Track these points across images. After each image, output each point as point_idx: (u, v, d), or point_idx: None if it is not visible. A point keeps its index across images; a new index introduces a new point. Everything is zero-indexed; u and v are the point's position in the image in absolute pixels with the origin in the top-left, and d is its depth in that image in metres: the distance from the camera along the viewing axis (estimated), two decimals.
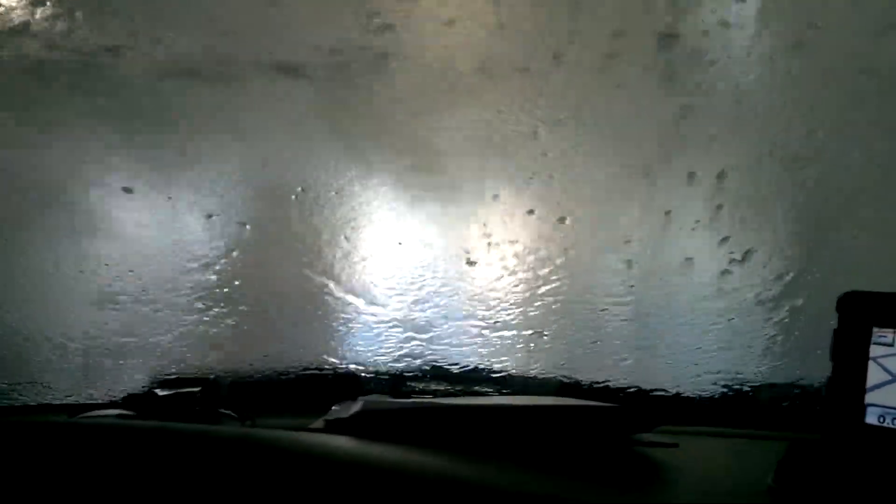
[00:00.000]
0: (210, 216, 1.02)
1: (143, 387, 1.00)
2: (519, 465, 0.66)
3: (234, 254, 1.03)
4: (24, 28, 0.94)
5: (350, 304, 1.03)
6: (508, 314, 1.00)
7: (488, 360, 1.01)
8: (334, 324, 1.03)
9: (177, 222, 1.02)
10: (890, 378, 0.58)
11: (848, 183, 0.90)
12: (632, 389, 0.95)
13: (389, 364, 1.03)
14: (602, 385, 0.96)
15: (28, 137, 1.00)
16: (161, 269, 1.03)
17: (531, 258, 0.99)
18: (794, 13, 0.89)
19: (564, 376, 0.98)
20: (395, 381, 1.02)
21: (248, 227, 1.03)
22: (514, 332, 1.01)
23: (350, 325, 1.04)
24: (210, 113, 1.01)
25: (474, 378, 1.01)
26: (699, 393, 0.93)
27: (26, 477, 0.68)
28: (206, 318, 1.03)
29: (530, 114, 0.96)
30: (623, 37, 0.92)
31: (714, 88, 0.93)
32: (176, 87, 0.98)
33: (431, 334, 1.03)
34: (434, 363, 1.02)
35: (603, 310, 0.97)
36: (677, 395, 0.93)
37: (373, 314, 1.03)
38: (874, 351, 0.58)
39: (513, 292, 1.00)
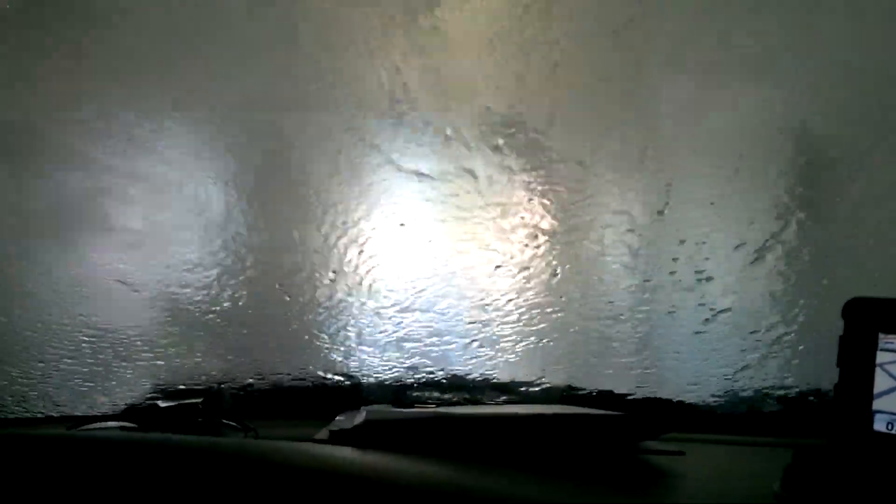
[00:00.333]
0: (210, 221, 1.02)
1: (144, 398, 1.00)
2: (524, 474, 0.66)
3: (236, 262, 1.03)
4: None
5: (353, 313, 1.03)
6: (513, 323, 1.00)
7: (492, 369, 1.01)
8: (337, 334, 1.03)
9: (175, 229, 1.02)
10: None
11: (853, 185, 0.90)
12: (637, 397, 0.94)
13: (393, 374, 1.02)
14: (607, 393, 0.95)
15: None
16: (160, 278, 1.02)
17: (536, 266, 0.99)
18: None
19: (569, 385, 0.98)
20: (398, 391, 1.01)
21: (249, 234, 1.03)
22: (519, 340, 1.00)
23: (353, 334, 1.03)
24: None
25: (478, 387, 1.01)
26: (705, 400, 0.92)
27: (26, 491, 0.67)
28: (208, 329, 1.03)
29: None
30: None
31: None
32: None
33: (435, 343, 1.02)
34: (438, 372, 1.02)
35: (608, 318, 0.97)
36: (683, 402, 0.93)
37: (376, 324, 1.03)
38: (881, 357, 0.58)
39: (517, 300, 1.00)
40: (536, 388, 0.99)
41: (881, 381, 0.58)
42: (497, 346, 1.01)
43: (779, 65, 0.91)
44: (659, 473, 0.70)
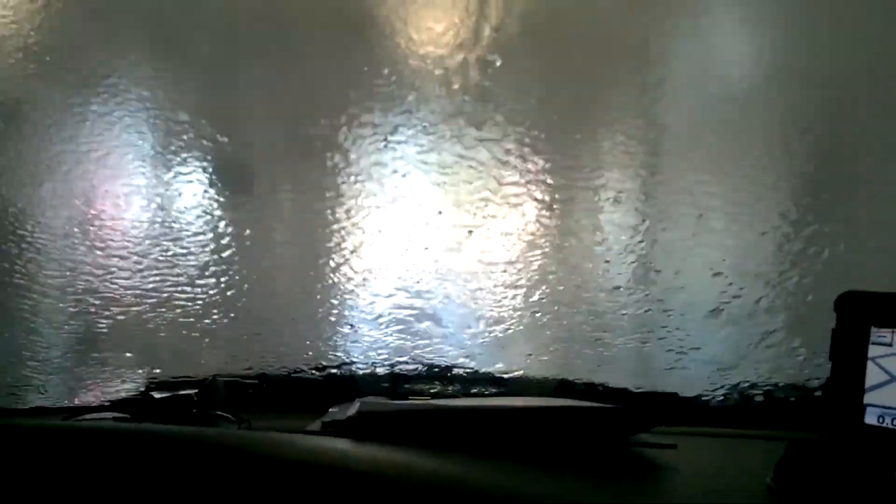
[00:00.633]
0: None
1: (138, 389, 1.00)
2: (517, 466, 0.66)
3: (229, 254, 1.02)
4: None
5: (347, 304, 1.03)
6: (507, 315, 1.00)
7: (486, 361, 1.01)
8: (331, 325, 1.03)
9: (169, 220, 1.02)
10: (889, 378, 0.58)
11: (851, 181, 0.90)
12: (630, 390, 0.94)
13: (387, 365, 1.03)
14: (600, 386, 0.95)
15: None
16: (154, 268, 1.02)
17: (531, 259, 0.99)
18: None
19: (563, 377, 0.98)
20: (392, 383, 1.01)
21: (242, 226, 1.03)
22: (513, 332, 1.00)
23: (347, 325, 1.03)
24: None
25: (472, 379, 1.01)
26: (697, 393, 0.93)
27: (21, 481, 0.68)
28: (201, 320, 1.03)
29: None
30: None
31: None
32: None
33: (429, 335, 1.02)
34: (431, 364, 1.02)
35: (602, 310, 0.97)
36: (675, 395, 0.93)
37: (370, 315, 1.03)
38: (873, 351, 0.58)
39: (511, 293, 1.00)
40: (530, 381, 0.99)
41: (873, 375, 0.58)
42: (491, 339, 1.01)
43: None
44: (651, 466, 0.71)
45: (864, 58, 0.87)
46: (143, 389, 0.99)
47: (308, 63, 1.02)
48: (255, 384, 1.01)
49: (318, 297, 1.03)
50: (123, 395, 1.00)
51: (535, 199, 0.98)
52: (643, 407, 0.92)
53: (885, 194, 0.88)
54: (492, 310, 1.00)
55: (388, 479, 0.62)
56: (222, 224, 1.02)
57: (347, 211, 1.01)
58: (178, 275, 1.02)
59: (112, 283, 1.02)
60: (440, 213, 1.00)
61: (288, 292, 1.04)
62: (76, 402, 1.03)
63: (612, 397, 0.94)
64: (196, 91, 1.02)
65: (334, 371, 1.03)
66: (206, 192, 1.02)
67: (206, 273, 1.02)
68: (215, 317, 1.02)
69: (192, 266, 1.02)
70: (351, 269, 1.02)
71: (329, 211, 1.01)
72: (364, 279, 1.02)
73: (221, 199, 1.02)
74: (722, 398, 0.91)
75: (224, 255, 1.02)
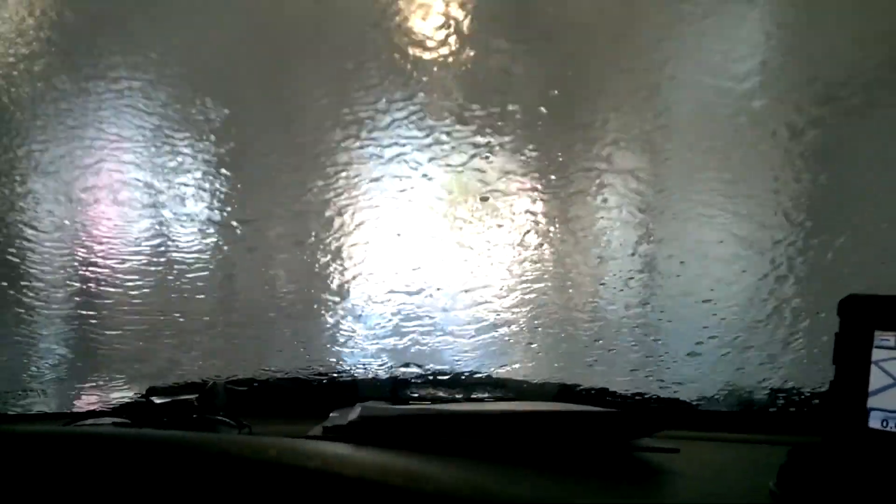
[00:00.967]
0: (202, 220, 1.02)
1: (139, 395, 0.99)
2: (518, 471, 0.66)
3: (229, 258, 1.02)
4: None
5: (348, 308, 1.03)
6: (508, 319, 1.00)
7: (487, 366, 1.01)
8: (332, 329, 1.03)
9: (167, 224, 1.02)
10: (892, 382, 0.57)
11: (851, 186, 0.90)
12: (632, 394, 0.94)
13: (388, 369, 1.02)
14: (602, 390, 0.95)
15: None
16: (153, 273, 1.02)
17: (531, 262, 0.99)
18: None
19: (564, 382, 0.98)
20: (393, 387, 1.01)
21: (241, 229, 1.02)
22: (514, 336, 1.00)
23: (347, 330, 1.03)
24: None
25: (473, 383, 1.00)
26: (700, 397, 0.92)
27: (21, 487, 0.67)
28: (202, 324, 1.02)
29: None
30: None
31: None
32: None
33: (430, 339, 1.02)
34: (432, 368, 1.02)
35: (603, 313, 0.97)
36: (678, 399, 0.93)
37: (370, 319, 1.03)
38: (876, 354, 0.58)
39: (512, 297, 1.00)
40: (531, 385, 0.99)
41: (877, 379, 0.58)
42: (493, 343, 1.01)
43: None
44: (653, 471, 0.70)
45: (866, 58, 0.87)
46: (143, 394, 0.99)
47: (307, 64, 1.02)
48: (256, 389, 1.00)
49: (319, 301, 1.02)
50: (124, 400, 1.00)
51: (535, 204, 0.98)
52: (645, 411, 0.92)
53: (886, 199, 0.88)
54: (493, 314, 1.00)
55: (389, 485, 0.62)
56: (221, 228, 1.02)
57: (347, 215, 1.01)
58: (178, 279, 1.02)
59: (110, 288, 1.02)
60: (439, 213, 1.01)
61: (288, 296, 1.04)
62: (76, 407, 1.02)
63: (614, 401, 0.94)
64: (194, 93, 1.02)
65: (335, 376, 1.02)
66: (204, 195, 1.02)
67: (206, 278, 1.02)
68: (216, 322, 1.02)
69: (192, 271, 1.02)
70: (351, 273, 1.02)
71: (329, 215, 1.01)
72: (364, 284, 1.02)
73: (220, 203, 1.02)
74: (725, 402, 0.91)
75: (223, 259, 1.02)
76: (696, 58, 0.93)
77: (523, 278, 0.99)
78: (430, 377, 1.01)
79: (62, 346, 1.03)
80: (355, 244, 1.02)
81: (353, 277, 1.02)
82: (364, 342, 1.03)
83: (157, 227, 1.02)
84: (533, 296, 0.99)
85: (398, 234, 1.01)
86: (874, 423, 0.58)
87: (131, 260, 1.02)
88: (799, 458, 0.59)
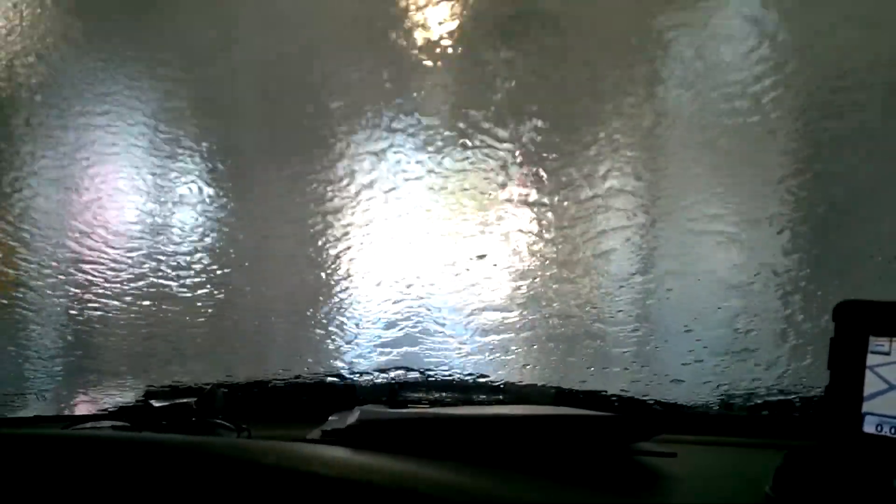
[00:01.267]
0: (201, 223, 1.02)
1: (138, 398, 1.00)
2: (517, 475, 0.66)
3: (227, 262, 1.03)
4: None
5: (346, 313, 1.03)
6: (506, 323, 1.00)
7: (486, 369, 1.01)
8: (330, 333, 1.03)
9: (166, 228, 1.02)
10: (887, 387, 0.58)
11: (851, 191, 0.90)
12: (630, 398, 0.94)
13: (386, 373, 1.03)
14: (600, 394, 0.95)
15: None
16: (151, 276, 1.02)
17: (530, 266, 0.99)
18: None
19: (562, 385, 0.98)
20: (391, 391, 1.01)
21: (239, 234, 1.03)
22: (512, 340, 1.00)
23: (346, 334, 1.03)
24: None
25: (471, 387, 1.01)
26: (697, 402, 0.93)
27: (21, 490, 0.67)
28: (200, 328, 1.03)
29: None
30: None
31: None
32: None
33: (428, 343, 1.02)
34: (431, 372, 1.02)
35: (601, 318, 0.97)
36: (675, 404, 0.93)
37: (369, 323, 1.03)
38: (871, 360, 0.58)
39: (510, 301, 1.00)
40: (530, 389, 0.99)
41: (871, 384, 0.58)
42: (491, 347, 1.01)
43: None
44: (651, 474, 0.71)
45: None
46: (142, 398, 0.99)
47: (306, 66, 1.02)
48: (255, 392, 1.01)
49: (318, 305, 1.03)
50: (123, 403, 1.00)
51: (535, 208, 0.98)
52: (643, 415, 0.92)
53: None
54: (491, 318, 1.00)
55: (387, 488, 0.62)
56: (220, 232, 1.02)
57: (346, 219, 1.01)
58: (177, 283, 1.02)
59: (109, 293, 1.02)
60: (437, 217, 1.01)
61: (287, 301, 1.04)
62: (75, 410, 1.02)
63: (612, 406, 0.94)
64: (192, 95, 1.02)
65: (334, 379, 1.03)
66: (203, 199, 1.02)
67: (204, 282, 1.02)
68: (214, 326, 1.03)
69: (190, 275, 1.02)
70: (350, 277, 1.02)
71: (328, 219, 1.01)
72: (363, 288, 1.02)
73: (219, 207, 1.02)
74: (721, 406, 0.91)
75: (222, 263, 1.02)
76: (695, 61, 0.94)
77: (521, 282, 0.99)
78: (429, 381, 1.01)
79: (61, 350, 1.03)
80: (354, 248, 1.02)
81: (352, 281, 1.02)
82: (362, 346, 1.03)
83: (155, 230, 1.02)
84: (531, 299, 0.99)
85: (396, 239, 1.01)
86: (869, 427, 0.58)
87: (130, 263, 1.02)
88: (795, 461, 0.59)
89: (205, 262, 1.03)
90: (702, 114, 0.94)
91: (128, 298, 1.02)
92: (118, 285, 1.02)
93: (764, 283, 0.91)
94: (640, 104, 0.95)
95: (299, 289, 1.04)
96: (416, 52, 0.96)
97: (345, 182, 1.01)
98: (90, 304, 1.02)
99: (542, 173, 0.97)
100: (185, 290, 1.02)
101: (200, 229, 1.03)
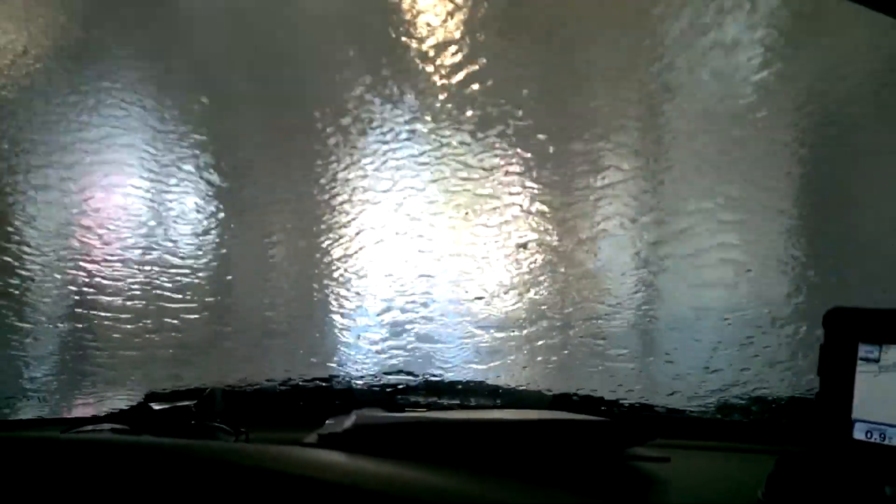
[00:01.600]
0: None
1: (137, 401, 1.00)
2: (512, 479, 0.67)
3: (226, 266, 1.03)
4: None
5: (343, 316, 1.03)
6: (503, 328, 1.01)
7: (482, 373, 1.01)
8: (328, 337, 1.04)
9: (165, 232, 1.03)
10: (876, 393, 0.58)
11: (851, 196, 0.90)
12: (624, 403, 0.95)
13: (383, 377, 1.03)
14: (595, 399, 0.96)
15: None
16: (150, 279, 1.03)
17: (526, 270, 1.00)
18: None
19: (557, 390, 0.98)
20: (388, 395, 1.02)
21: (238, 237, 1.03)
22: (509, 344, 1.01)
23: (343, 338, 1.04)
24: None
25: (468, 391, 1.01)
26: (691, 407, 0.93)
27: (20, 494, 0.68)
28: (199, 332, 1.03)
29: None
30: None
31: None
32: None
33: (425, 347, 1.03)
34: (428, 376, 1.02)
35: (599, 323, 0.98)
36: (669, 409, 0.93)
37: (366, 327, 1.04)
38: (861, 366, 0.59)
39: (508, 306, 1.01)
40: (525, 393, 0.99)
41: (861, 390, 0.59)
42: (487, 351, 1.01)
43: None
44: (645, 479, 0.71)
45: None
46: (141, 401, 0.99)
47: (307, 67, 1.03)
48: (253, 396, 1.01)
49: (315, 309, 1.03)
50: (122, 406, 1.00)
51: (534, 213, 0.99)
52: (637, 420, 0.93)
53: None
54: (488, 323, 1.01)
55: (383, 493, 0.62)
56: (218, 236, 1.03)
57: (344, 223, 1.02)
58: (175, 287, 1.03)
59: (109, 296, 1.02)
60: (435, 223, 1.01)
61: (285, 304, 1.05)
62: (75, 413, 1.03)
63: (607, 410, 0.95)
64: (193, 98, 1.02)
65: (331, 383, 1.03)
66: (202, 202, 1.03)
67: (203, 285, 1.03)
68: (213, 329, 1.03)
69: (189, 278, 1.03)
70: (348, 281, 1.02)
71: (327, 223, 1.02)
72: (361, 292, 1.03)
73: (218, 210, 1.03)
74: (715, 412, 0.92)
75: (221, 267, 1.03)
76: (697, 67, 0.94)
77: (519, 287, 1.00)
78: (425, 385, 1.02)
79: (61, 353, 1.03)
80: (352, 252, 1.02)
81: (349, 285, 1.03)
82: (360, 350, 1.04)
83: (154, 234, 1.03)
84: (528, 305, 1.00)
85: (395, 242, 1.02)
86: (858, 434, 0.59)
87: (129, 266, 1.03)
88: (786, 467, 0.60)
89: (204, 265, 1.03)
90: (705, 119, 0.94)
91: (127, 302, 1.03)
92: (117, 288, 1.02)
93: (765, 289, 0.92)
94: (644, 110, 0.96)
95: (298, 293, 1.04)
96: (417, 51, 0.97)
97: (344, 186, 1.01)
98: (90, 307, 1.02)
99: (544, 177, 0.98)
100: (184, 293, 1.03)
101: (199, 233, 1.03)
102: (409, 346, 1.03)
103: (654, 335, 0.97)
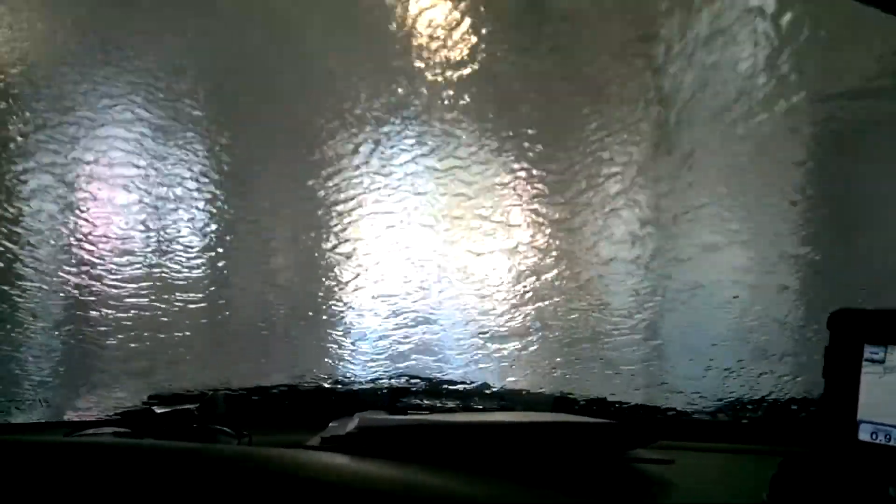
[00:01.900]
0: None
1: (139, 404, 1.00)
2: (515, 481, 0.67)
3: (228, 268, 1.03)
4: None
5: (347, 320, 1.03)
6: (505, 330, 1.00)
7: (485, 376, 1.01)
8: (330, 340, 1.04)
9: (166, 235, 1.03)
10: (882, 395, 0.58)
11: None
12: (628, 405, 0.95)
13: (386, 380, 1.03)
14: (598, 401, 0.96)
15: None
16: (152, 281, 1.03)
17: (530, 273, 0.99)
18: None
19: (561, 392, 0.98)
20: (391, 397, 1.02)
21: (240, 239, 1.03)
22: (512, 347, 1.01)
23: (346, 340, 1.04)
24: None
25: (471, 393, 1.01)
26: (695, 409, 0.93)
27: (22, 497, 0.68)
28: (202, 335, 1.03)
29: None
30: None
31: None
32: None
33: (428, 350, 1.03)
34: (430, 379, 1.02)
35: (601, 327, 0.98)
36: (673, 410, 0.93)
37: (370, 330, 1.04)
38: (866, 368, 0.59)
39: (510, 307, 1.00)
40: (529, 396, 0.99)
41: (866, 392, 0.59)
42: (490, 353, 1.01)
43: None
44: (648, 481, 0.71)
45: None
46: (143, 404, 0.99)
47: (308, 68, 1.03)
48: (256, 399, 1.01)
49: (319, 312, 1.03)
50: (124, 409, 1.00)
51: (537, 217, 0.98)
52: (640, 422, 0.93)
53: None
54: (491, 325, 1.01)
55: (386, 495, 0.62)
56: (222, 239, 1.03)
57: (349, 226, 1.02)
58: (177, 290, 1.03)
59: (111, 299, 1.02)
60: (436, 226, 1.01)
61: (288, 307, 1.05)
62: (77, 416, 1.03)
63: (610, 413, 0.94)
64: (194, 98, 1.02)
65: (334, 386, 1.03)
66: (203, 205, 1.03)
67: (206, 288, 1.03)
68: (216, 332, 1.03)
69: (191, 281, 1.03)
70: (351, 284, 1.02)
71: (330, 225, 1.02)
72: (364, 295, 1.03)
73: (219, 213, 1.03)
74: (718, 414, 0.91)
75: (223, 270, 1.03)
76: (704, 68, 0.94)
77: (522, 290, 1.00)
78: (428, 387, 1.02)
79: (63, 356, 1.04)
80: (355, 254, 1.02)
81: (353, 288, 1.03)
82: (363, 352, 1.04)
83: (155, 236, 1.03)
84: (531, 307, 1.00)
85: (399, 245, 1.02)
86: (864, 435, 0.58)
87: (130, 268, 1.03)
88: (790, 469, 0.59)
89: (206, 268, 1.03)
90: (712, 120, 0.94)
91: (129, 304, 1.03)
92: (119, 291, 1.02)
93: (763, 293, 0.91)
94: (648, 112, 0.96)
95: (300, 295, 1.04)
96: (420, 53, 0.97)
97: (347, 188, 1.01)
98: (91, 310, 1.02)
99: (548, 181, 0.98)
100: (186, 296, 1.03)
101: (202, 236, 1.03)
102: (412, 350, 1.03)
103: (656, 336, 0.97)
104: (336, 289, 1.03)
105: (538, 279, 0.99)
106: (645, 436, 0.77)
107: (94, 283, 1.02)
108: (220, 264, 1.03)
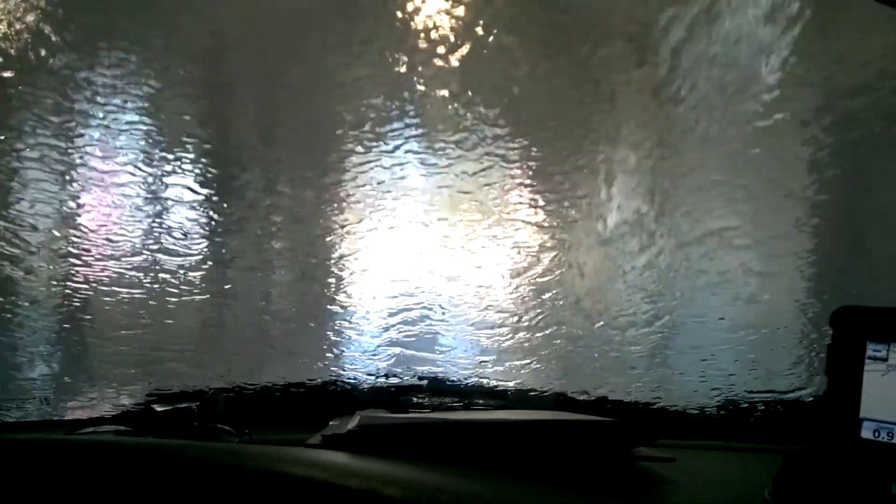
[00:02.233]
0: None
1: (140, 402, 1.00)
2: (518, 479, 0.66)
3: (228, 267, 1.03)
4: None
5: (348, 318, 1.03)
6: (507, 329, 1.00)
7: (487, 374, 1.01)
8: (332, 338, 1.03)
9: (166, 234, 1.03)
10: (884, 392, 0.58)
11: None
12: (629, 403, 0.95)
13: (387, 378, 1.03)
14: (600, 399, 0.96)
15: None
16: (152, 281, 1.02)
17: (532, 272, 0.99)
18: None
19: (563, 391, 0.98)
20: (392, 395, 1.02)
21: (240, 237, 1.03)
22: (513, 346, 1.01)
23: (347, 338, 1.04)
24: None
25: (472, 392, 1.01)
26: (696, 407, 0.93)
27: (23, 496, 0.68)
28: (203, 333, 1.03)
29: None
30: None
31: None
32: None
33: (429, 348, 1.03)
34: (432, 377, 1.02)
35: (602, 325, 0.98)
36: (674, 409, 0.93)
37: (370, 328, 1.03)
38: (868, 365, 0.59)
39: (512, 306, 1.00)
40: (530, 394, 0.99)
41: (869, 389, 0.58)
42: (492, 351, 1.01)
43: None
44: (650, 479, 0.71)
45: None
46: (144, 402, 0.99)
47: (308, 68, 1.03)
48: (256, 397, 1.01)
49: (319, 309, 1.03)
50: (125, 407, 1.00)
51: (537, 218, 0.98)
52: (642, 420, 0.93)
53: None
54: (492, 324, 1.01)
55: (388, 494, 0.62)
56: (221, 238, 1.03)
57: (349, 224, 1.01)
58: (178, 288, 1.03)
59: (111, 297, 1.02)
60: (441, 229, 1.01)
61: (289, 305, 1.05)
62: (77, 415, 1.03)
63: (612, 411, 0.94)
64: (194, 98, 1.02)
65: (335, 384, 1.03)
66: (203, 203, 1.03)
67: (206, 287, 1.02)
68: (216, 330, 1.03)
69: (191, 280, 1.03)
70: (351, 281, 1.02)
71: (330, 223, 1.01)
72: (365, 293, 1.02)
73: (219, 213, 1.03)
74: (720, 412, 0.91)
75: (223, 268, 1.03)
76: (710, 69, 0.93)
77: (524, 289, 1.00)
78: (430, 386, 1.02)
79: (63, 354, 1.03)
80: (357, 252, 1.02)
81: (354, 286, 1.03)
82: (364, 350, 1.03)
83: (155, 235, 1.02)
84: (533, 305, 0.99)
85: (400, 244, 1.02)
86: (866, 433, 0.58)
87: (131, 267, 1.03)
88: (793, 467, 0.59)
89: (207, 266, 1.03)
90: (717, 121, 0.94)
91: (129, 303, 1.02)
92: (119, 289, 1.02)
93: (769, 292, 0.91)
94: (652, 115, 0.95)
95: (301, 293, 1.04)
96: (420, 54, 0.97)
97: (347, 186, 1.01)
98: (91, 309, 1.02)
99: (548, 181, 0.98)
100: (186, 294, 1.03)
101: (202, 234, 1.03)
102: (413, 348, 1.03)
103: (659, 337, 0.97)
104: (337, 287, 1.02)
105: (538, 277, 0.99)
106: (646, 434, 0.76)
107: (94, 281, 1.02)
108: (221, 263, 1.03)
